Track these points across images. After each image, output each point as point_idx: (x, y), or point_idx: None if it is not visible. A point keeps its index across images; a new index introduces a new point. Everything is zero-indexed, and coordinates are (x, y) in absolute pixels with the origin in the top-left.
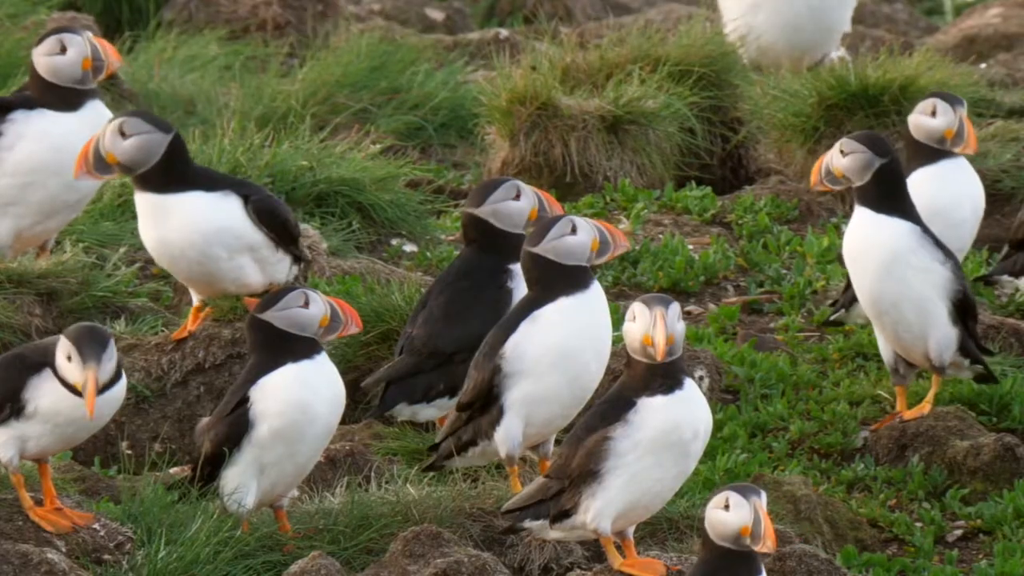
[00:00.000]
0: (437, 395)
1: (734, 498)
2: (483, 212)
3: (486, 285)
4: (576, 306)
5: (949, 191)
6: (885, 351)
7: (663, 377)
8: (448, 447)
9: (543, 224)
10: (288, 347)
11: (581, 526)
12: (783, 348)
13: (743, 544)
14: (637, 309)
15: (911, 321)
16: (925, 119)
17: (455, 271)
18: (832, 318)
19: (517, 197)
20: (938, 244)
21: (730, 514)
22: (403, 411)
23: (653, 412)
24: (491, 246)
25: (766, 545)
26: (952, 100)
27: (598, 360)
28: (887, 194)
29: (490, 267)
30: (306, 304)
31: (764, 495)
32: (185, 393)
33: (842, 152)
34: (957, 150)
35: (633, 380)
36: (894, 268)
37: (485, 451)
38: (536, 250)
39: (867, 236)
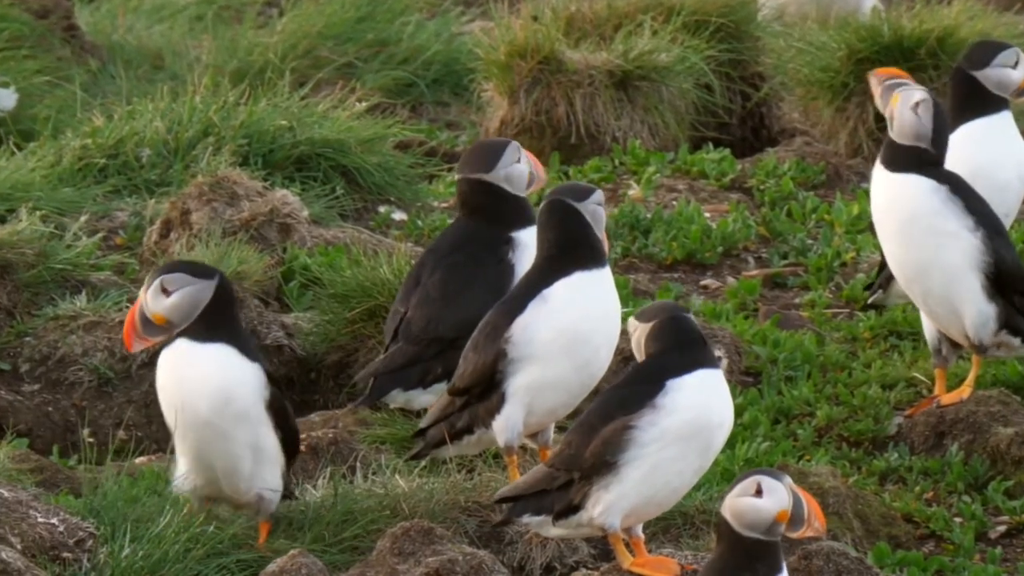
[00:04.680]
0: (434, 380)
1: (767, 482)
2: (495, 178)
3: (485, 259)
4: (588, 285)
5: (992, 149)
6: (928, 329)
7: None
8: (439, 434)
9: (575, 185)
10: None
11: (588, 523)
12: (809, 326)
13: (776, 532)
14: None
15: (939, 293)
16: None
17: (448, 243)
18: (871, 301)
19: (519, 160)
20: (970, 209)
21: (764, 500)
22: (397, 398)
23: (682, 395)
24: (495, 214)
25: (813, 527)
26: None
27: (609, 344)
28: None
29: (488, 238)
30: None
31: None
32: (152, 375)
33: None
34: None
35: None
36: (914, 230)
37: (481, 439)
38: (579, 205)
39: (888, 194)
